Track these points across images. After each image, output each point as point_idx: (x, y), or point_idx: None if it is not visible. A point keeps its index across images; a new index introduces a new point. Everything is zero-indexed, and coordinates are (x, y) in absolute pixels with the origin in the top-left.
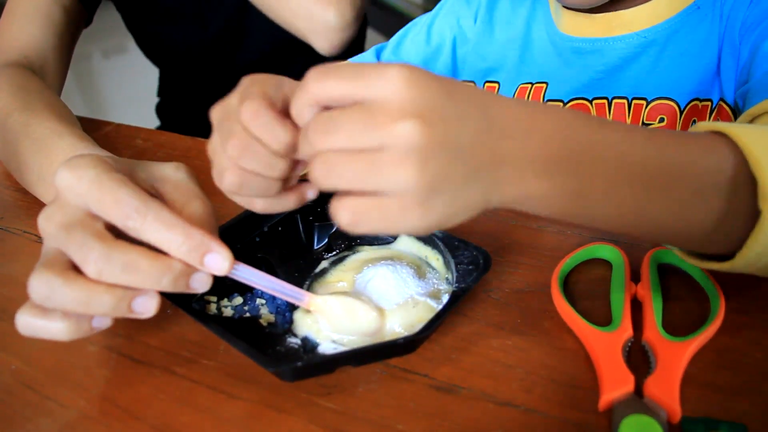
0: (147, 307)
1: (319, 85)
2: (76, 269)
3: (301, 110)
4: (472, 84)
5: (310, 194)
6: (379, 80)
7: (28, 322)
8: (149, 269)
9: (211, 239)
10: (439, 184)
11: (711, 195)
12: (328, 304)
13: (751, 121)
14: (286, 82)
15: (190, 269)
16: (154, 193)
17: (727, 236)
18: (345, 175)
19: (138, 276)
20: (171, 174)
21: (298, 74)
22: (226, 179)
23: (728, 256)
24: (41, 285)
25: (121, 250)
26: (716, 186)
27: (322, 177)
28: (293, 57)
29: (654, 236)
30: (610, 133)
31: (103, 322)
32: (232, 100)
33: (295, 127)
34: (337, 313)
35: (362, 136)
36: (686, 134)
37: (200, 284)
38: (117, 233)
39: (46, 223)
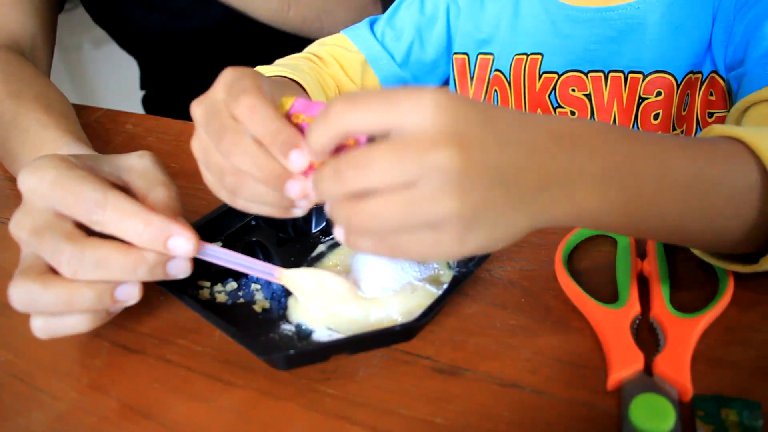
0: (130, 294)
1: (346, 115)
2: (53, 271)
3: (320, 142)
4: (508, 108)
5: (297, 212)
6: (412, 106)
7: (44, 326)
8: (122, 263)
9: (173, 223)
10: (479, 214)
11: (741, 204)
12: (299, 277)
13: (749, 107)
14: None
15: (163, 257)
16: (120, 185)
17: (756, 241)
18: (383, 226)
19: (113, 271)
20: (135, 163)
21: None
22: (227, 180)
23: (752, 257)
24: (21, 294)
25: (92, 247)
26: (745, 194)
27: (357, 231)
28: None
29: (690, 244)
30: (647, 144)
31: (119, 306)
32: (216, 94)
33: (295, 126)
34: (309, 286)
35: (396, 170)
36: (709, 142)
37: (178, 270)
38: (90, 230)
39: (18, 230)
